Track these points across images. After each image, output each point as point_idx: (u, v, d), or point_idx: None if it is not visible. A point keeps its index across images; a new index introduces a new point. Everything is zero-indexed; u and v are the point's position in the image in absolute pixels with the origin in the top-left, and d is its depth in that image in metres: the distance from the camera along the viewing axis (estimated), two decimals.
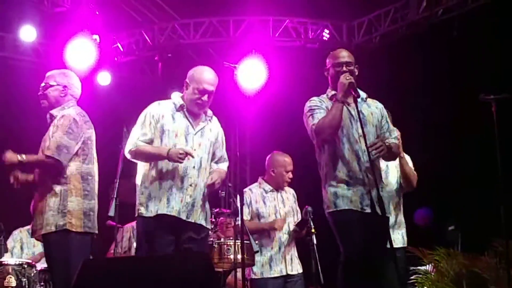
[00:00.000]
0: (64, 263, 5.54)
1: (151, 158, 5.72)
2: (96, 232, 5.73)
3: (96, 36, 10.81)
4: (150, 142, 5.73)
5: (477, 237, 9.22)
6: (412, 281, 9.56)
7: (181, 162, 5.57)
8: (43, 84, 5.89)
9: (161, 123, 5.71)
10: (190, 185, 5.68)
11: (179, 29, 11.77)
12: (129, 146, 5.75)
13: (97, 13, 10.92)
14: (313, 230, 7.08)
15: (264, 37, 11.53)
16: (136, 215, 5.74)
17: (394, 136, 5.83)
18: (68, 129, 5.62)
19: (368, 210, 5.50)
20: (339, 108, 5.52)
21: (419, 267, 9.53)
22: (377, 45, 11.16)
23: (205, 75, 5.85)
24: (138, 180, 5.79)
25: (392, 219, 6.28)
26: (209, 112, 5.92)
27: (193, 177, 5.70)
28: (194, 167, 5.71)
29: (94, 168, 5.79)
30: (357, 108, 5.53)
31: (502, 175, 6.14)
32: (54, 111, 5.78)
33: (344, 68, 5.69)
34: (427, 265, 9.38)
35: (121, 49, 12.15)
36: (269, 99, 11.20)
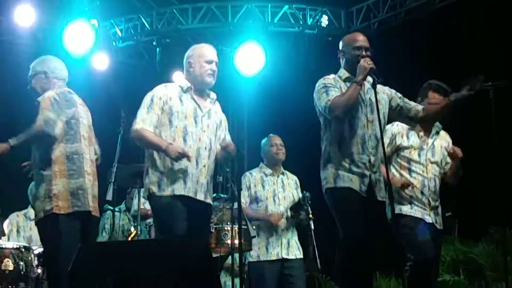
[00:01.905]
0: (55, 247, 5.64)
1: (150, 146, 5.69)
2: (88, 209, 5.70)
3: (94, 21, 10.77)
4: (156, 126, 5.67)
5: (473, 224, 9.25)
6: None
7: (175, 161, 5.53)
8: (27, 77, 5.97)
9: (169, 105, 5.69)
10: (204, 166, 5.70)
11: (177, 14, 11.74)
12: (134, 126, 5.67)
13: None
14: (310, 216, 7.10)
15: (263, 23, 11.51)
16: (147, 194, 5.70)
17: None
18: (51, 105, 5.68)
19: (364, 194, 5.54)
20: (356, 89, 5.54)
21: None
22: (375, 32, 11.15)
23: (206, 48, 5.93)
24: (148, 161, 5.72)
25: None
26: (213, 95, 5.94)
27: (205, 159, 5.72)
28: (205, 148, 5.73)
29: (82, 146, 5.78)
30: (375, 94, 5.57)
31: (499, 162, 6.14)
32: (39, 98, 5.83)
33: (364, 53, 5.69)
34: None
35: (119, 34, 12.13)
36: (267, 84, 11.21)
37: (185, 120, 5.70)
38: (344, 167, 5.55)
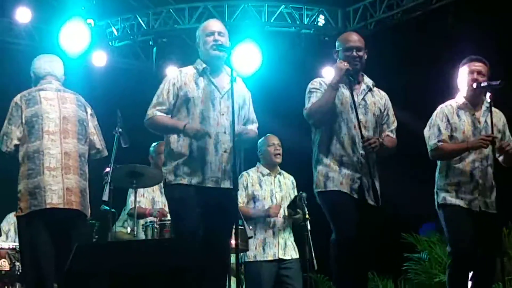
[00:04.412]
0: (20, 249, 5.79)
1: (167, 130, 5.58)
2: (44, 207, 5.50)
3: (90, 20, 10.76)
4: (168, 112, 5.56)
5: None
6: (405, 267, 9.59)
7: (196, 140, 5.38)
8: None
9: (184, 91, 5.53)
10: (225, 152, 5.49)
11: (174, 14, 11.71)
12: (147, 116, 5.59)
13: None
14: (307, 216, 7.10)
15: (259, 23, 11.50)
16: (164, 184, 5.60)
17: (391, 128, 5.80)
18: (9, 115, 5.74)
19: (355, 195, 5.50)
20: (332, 93, 5.50)
21: (412, 254, 9.56)
22: (372, 32, 11.14)
23: (207, 22, 5.81)
24: (165, 150, 5.62)
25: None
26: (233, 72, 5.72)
27: (226, 143, 5.48)
28: (225, 132, 5.50)
29: (45, 142, 5.62)
30: (355, 96, 5.55)
31: (496, 163, 6.11)
32: None
33: (354, 53, 5.64)
34: (421, 252, 9.39)
35: (116, 34, 12.10)
36: (263, 84, 11.17)
37: (202, 105, 5.52)
38: (333, 168, 5.52)
